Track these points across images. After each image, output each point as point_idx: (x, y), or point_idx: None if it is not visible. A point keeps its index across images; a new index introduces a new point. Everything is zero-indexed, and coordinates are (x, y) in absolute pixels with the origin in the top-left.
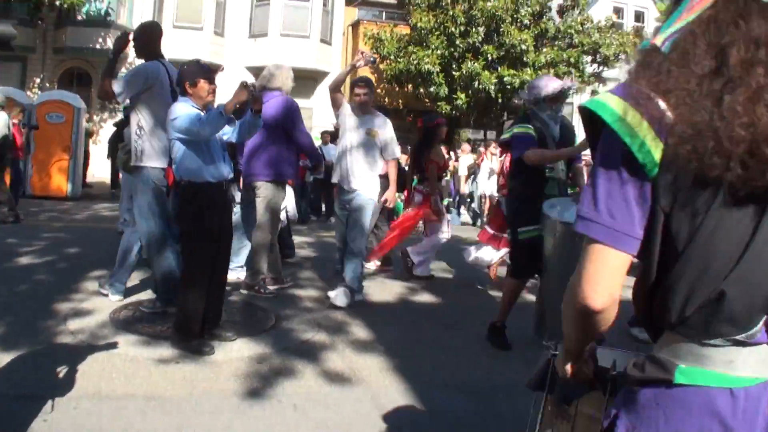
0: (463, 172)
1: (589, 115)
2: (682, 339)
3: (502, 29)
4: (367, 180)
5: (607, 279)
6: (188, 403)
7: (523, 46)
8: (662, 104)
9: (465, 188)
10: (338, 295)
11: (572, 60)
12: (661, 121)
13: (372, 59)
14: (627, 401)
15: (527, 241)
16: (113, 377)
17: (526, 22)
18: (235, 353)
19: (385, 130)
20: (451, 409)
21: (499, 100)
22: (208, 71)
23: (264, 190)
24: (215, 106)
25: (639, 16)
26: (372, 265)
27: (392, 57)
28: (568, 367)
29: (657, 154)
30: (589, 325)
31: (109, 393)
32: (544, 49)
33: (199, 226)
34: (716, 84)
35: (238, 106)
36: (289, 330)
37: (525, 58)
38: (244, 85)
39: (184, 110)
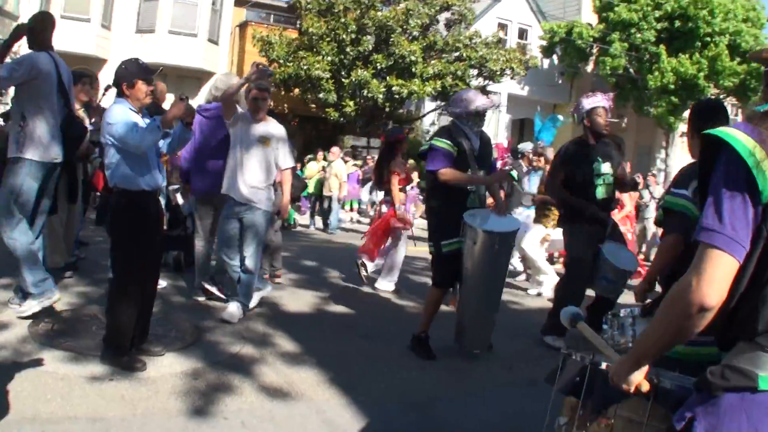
0: (341, 175)
1: (713, 141)
2: (761, 349)
3: (392, 39)
4: (262, 191)
5: (722, 281)
6: (133, 424)
7: (413, 57)
8: None
9: (333, 193)
10: (231, 312)
11: (459, 73)
12: None
13: (270, 72)
14: (706, 405)
15: (450, 253)
16: (48, 398)
17: (416, 33)
18: (167, 369)
19: (280, 137)
20: (394, 423)
21: (387, 109)
22: (147, 71)
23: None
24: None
25: (522, 33)
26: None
27: (281, 61)
28: (638, 376)
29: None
30: (692, 326)
31: (50, 416)
32: (432, 61)
33: (133, 236)
34: None
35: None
36: (214, 343)
37: (413, 69)
38: (181, 98)
39: (122, 116)
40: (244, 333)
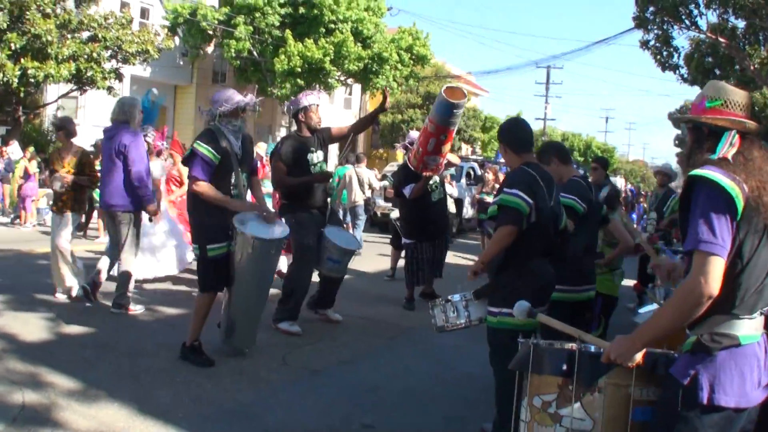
0: None
1: (697, 180)
2: (736, 318)
3: (27, 16)
4: None
5: (720, 277)
6: None
7: (48, 37)
8: (745, 185)
9: None
10: None
11: (94, 55)
12: (744, 193)
13: None
14: (705, 362)
15: (216, 258)
16: None
17: (49, 10)
18: None
19: None
20: None
21: (21, 95)
22: None
23: (131, 218)
24: None
25: (144, 12)
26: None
27: None
28: (640, 354)
29: (741, 208)
30: (699, 311)
31: None
32: (68, 42)
33: None
34: None
35: None
36: None
37: (49, 50)
38: None
39: None
40: (6, 375)
